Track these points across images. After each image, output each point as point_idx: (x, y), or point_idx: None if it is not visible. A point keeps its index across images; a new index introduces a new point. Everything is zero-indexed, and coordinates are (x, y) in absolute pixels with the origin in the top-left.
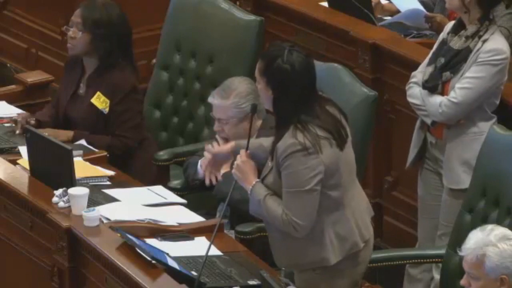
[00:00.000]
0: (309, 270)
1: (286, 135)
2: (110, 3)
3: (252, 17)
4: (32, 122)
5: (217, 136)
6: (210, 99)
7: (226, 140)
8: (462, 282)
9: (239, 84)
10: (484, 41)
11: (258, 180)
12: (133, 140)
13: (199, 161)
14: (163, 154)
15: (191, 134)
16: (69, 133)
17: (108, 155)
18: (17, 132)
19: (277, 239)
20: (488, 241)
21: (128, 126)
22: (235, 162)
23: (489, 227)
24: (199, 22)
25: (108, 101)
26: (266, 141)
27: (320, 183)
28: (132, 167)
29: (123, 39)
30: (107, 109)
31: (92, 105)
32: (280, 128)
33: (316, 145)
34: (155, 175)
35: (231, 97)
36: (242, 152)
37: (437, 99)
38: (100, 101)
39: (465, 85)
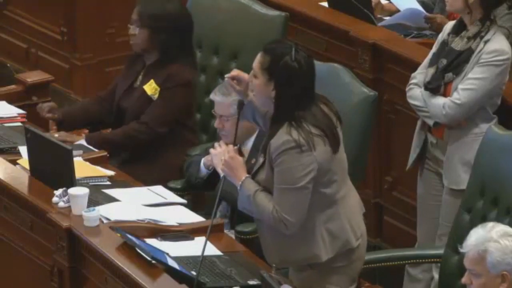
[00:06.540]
0: (307, 267)
1: (280, 132)
2: None
3: (276, 12)
4: (55, 116)
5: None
6: (212, 96)
7: (227, 138)
8: (464, 280)
9: None
10: (486, 42)
11: (247, 175)
12: (153, 129)
13: (202, 160)
14: (195, 150)
15: (214, 131)
16: (80, 137)
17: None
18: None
19: (267, 236)
20: (490, 237)
21: (156, 115)
22: (223, 158)
23: (490, 224)
24: (221, 18)
25: (158, 88)
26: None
27: (313, 181)
28: (161, 161)
29: (182, 34)
30: (156, 96)
31: (144, 92)
32: (275, 124)
33: (309, 143)
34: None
35: (233, 94)
36: (230, 147)
37: (440, 100)
38: (151, 87)
39: (468, 86)
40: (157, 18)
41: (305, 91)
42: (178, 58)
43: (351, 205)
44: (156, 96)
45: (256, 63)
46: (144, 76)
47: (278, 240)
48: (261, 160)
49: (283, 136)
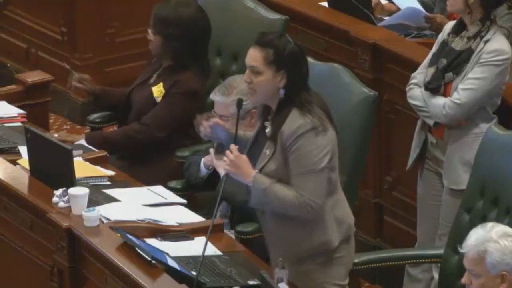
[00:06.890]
0: (309, 260)
1: (291, 117)
2: (184, 3)
3: (277, 16)
4: (87, 87)
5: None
6: (212, 96)
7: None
8: (463, 280)
9: (240, 82)
10: (486, 42)
11: (256, 171)
12: (153, 132)
13: (202, 160)
14: (184, 151)
15: None
16: (80, 137)
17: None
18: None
19: (275, 230)
20: (489, 238)
21: (157, 119)
22: (227, 159)
23: (490, 224)
24: (224, 20)
25: (163, 92)
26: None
27: (328, 163)
28: (158, 166)
29: (194, 41)
30: (159, 99)
31: (152, 93)
32: (282, 111)
33: (322, 124)
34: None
35: (233, 94)
36: (233, 147)
37: (440, 100)
38: (157, 90)
39: (468, 86)
40: (168, 24)
41: (307, 72)
42: (191, 66)
43: (342, 191)
44: (159, 99)
45: (258, 59)
46: (157, 76)
47: (287, 232)
48: (267, 152)
49: (298, 121)
